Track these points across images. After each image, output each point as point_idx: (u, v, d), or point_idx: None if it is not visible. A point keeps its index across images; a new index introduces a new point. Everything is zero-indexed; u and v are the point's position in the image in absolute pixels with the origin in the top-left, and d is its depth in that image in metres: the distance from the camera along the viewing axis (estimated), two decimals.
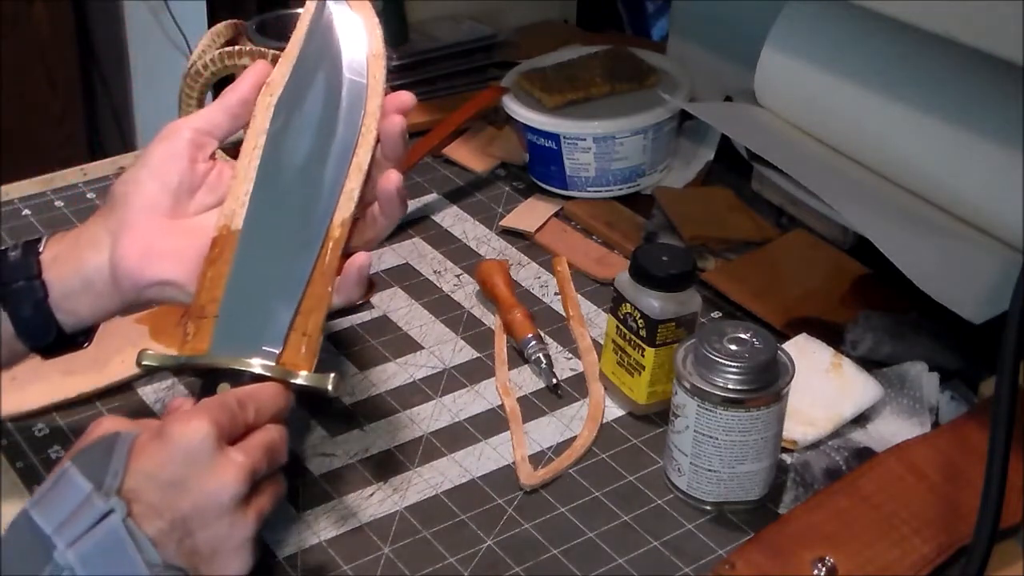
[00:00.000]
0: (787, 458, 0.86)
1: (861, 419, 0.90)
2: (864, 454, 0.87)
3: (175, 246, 0.74)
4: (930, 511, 0.79)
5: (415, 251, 1.10)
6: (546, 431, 0.90)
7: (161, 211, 0.75)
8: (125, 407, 0.91)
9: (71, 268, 0.75)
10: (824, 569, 0.75)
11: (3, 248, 0.76)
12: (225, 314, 0.72)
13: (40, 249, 0.76)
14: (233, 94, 0.79)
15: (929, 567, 0.76)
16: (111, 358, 0.93)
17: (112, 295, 0.75)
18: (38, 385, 0.90)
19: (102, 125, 2.47)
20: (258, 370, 0.70)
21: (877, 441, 0.88)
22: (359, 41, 0.82)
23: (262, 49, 1.10)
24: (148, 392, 0.93)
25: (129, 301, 0.75)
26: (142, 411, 0.91)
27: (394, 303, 1.03)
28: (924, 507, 0.79)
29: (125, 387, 0.93)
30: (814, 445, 0.88)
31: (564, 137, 1.12)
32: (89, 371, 0.92)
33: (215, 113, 0.79)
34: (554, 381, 0.94)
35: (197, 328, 0.72)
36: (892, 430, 0.89)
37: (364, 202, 0.76)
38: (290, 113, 0.78)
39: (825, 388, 0.90)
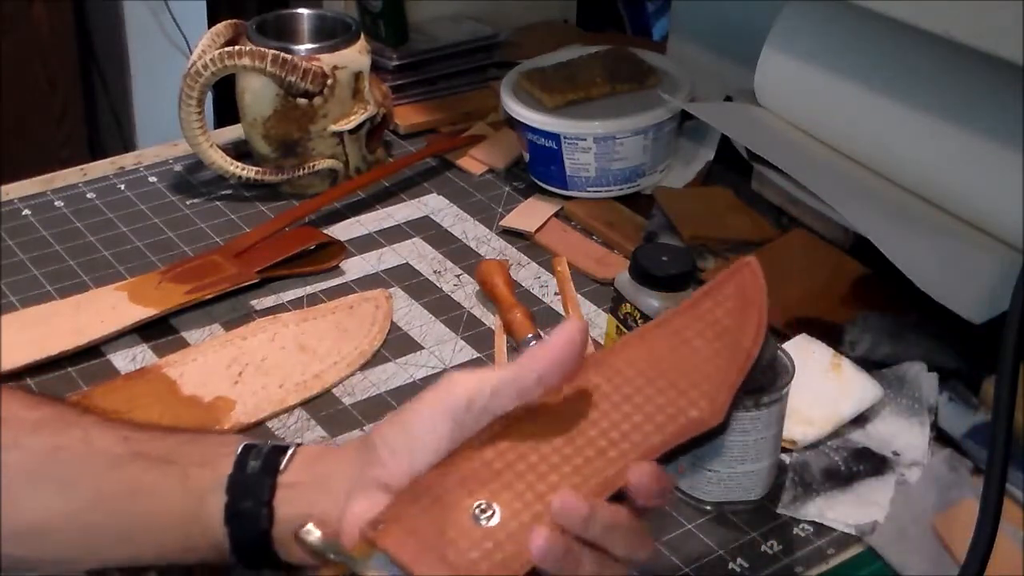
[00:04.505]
0: (786, 458, 0.86)
1: (860, 419, 0.90)
2: (863, 454, 0.87)
3: None
4: (626, 420, 0.65)
5: (415, 251, 1.10)
6: None
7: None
8: (94, 370, 0.94)
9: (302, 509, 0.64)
10: (483, 514, 0.61)
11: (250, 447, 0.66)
12: None
13: (281, 467, 0.65)
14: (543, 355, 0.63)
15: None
16: (93, 325, 0.96)
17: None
18: (13, 346, 0.93)
19: (102, 125, 2.47)
20: None
21: (876, 441, 0.88)
22: None
23: (262, 49, 1.10)
24: (117, 358, 0.95)
25: None
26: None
27: (394, 303, 1.03)
28: (616, 416, 0.65)
29: (95, 351, 0.95)
30: (813, 445, 0.88)
31: (564, 137, 1.12)
32: (68, 336, 0.95)
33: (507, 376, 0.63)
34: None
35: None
36: (892, 430, 0.89)
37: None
38: None
39: (825, 388, 0.90)
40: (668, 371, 0.66)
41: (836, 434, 0.89)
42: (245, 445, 0.66)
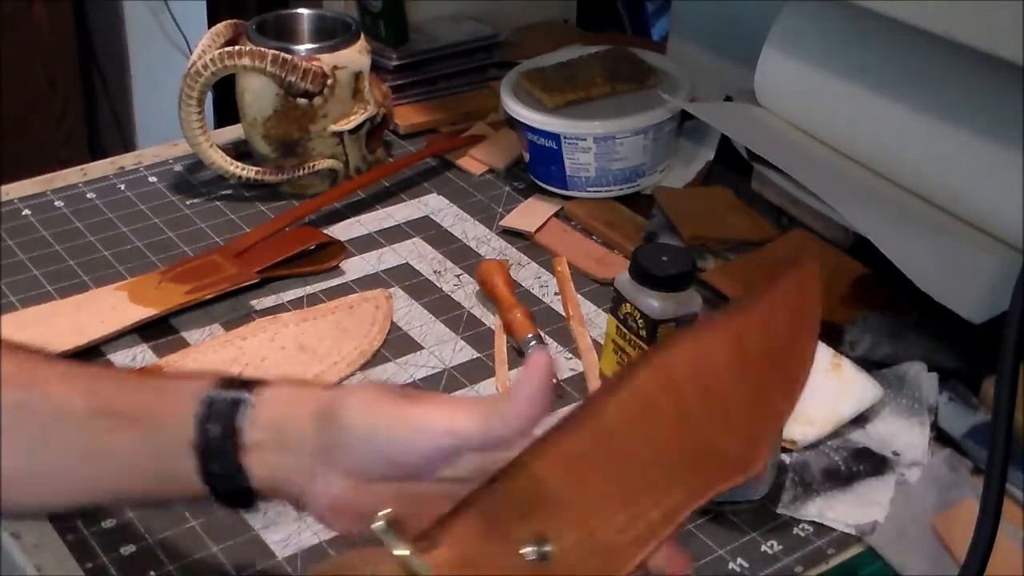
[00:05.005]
0: (786, 458, 0.86)
1: (860, 419, 0.90)
2: (863, 454, 0.87)
3: None
4: (688, 444, 0.63)
5: (415, 251, 1.10)
6: None
7: None
8: None
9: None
10: (536, 553, 0.60)
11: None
12: None
13: (240, 428, 0.64)
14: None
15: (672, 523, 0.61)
16: (93, 325, 0.96)
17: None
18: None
19: (102, 125, 2.47)
20: None
21: (876, 441, 0.88)
22: None
23: (262, 49, 1.10)
24: (117, 358, 0.95)
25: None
26: None
27: (394, 303, 1.03)
28: (679, 440, 0.63)
29: (95, 351, 0.95)
30: (813, 445, 0.88)
31: (564, 137, 1.12)
32: (68, 336, 0.95)
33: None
34: (554, 381, 0.94)
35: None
36: (892, 430, 0.89)
37: None
38: None
39: (825, 388, 0.90)
40: (719, 392, 0.64)
41: (836, 434, 0.89)
42: (203, 400, 0.65)
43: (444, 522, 0.60)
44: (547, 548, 0.59)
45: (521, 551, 0.59)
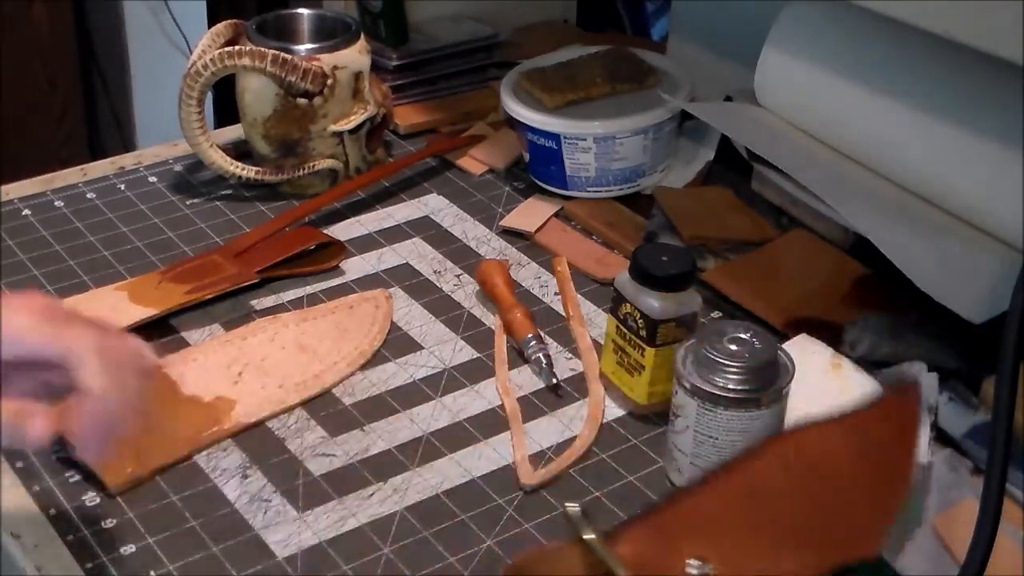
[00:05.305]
0: None
1: None
2: None
3: None
4: (811, 519, 0.72)
5: (415, 251, 1.10)
6: (546, 431, 0.90)
7: None
8: None
9: None
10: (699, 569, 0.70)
11: None
12: None
13: None
14: None
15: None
16: None
17: None
18: None
19: (102, 125, 2.47)
20: None
21: None
22: None
23: (262, 49, 1.10)
24: None
25: None
26: None
27: (394, 303, 1.03)
28: (806, 513, 0.72)
29: None
30: None
31: (564, 137, 1.12)
32: None
33: None
34: (554, 381, 0.94)
35: None
36: None
37: None
38: None
39: (825, 388, 0.90)
40: (846, 481, 0.71)
41: None
42: None
43: (626, 524, 0.67)
44: (709, 569, 0.66)
45: (688, 561, 0.66)
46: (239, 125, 1.18)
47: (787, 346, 0.88)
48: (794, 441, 0.72)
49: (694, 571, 0.66)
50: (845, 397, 0.89)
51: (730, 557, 0.67)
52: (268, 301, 1.03)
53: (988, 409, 0.88)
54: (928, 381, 0.91)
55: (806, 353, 0.92)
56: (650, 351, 0.88)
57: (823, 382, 0.90)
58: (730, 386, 0.80)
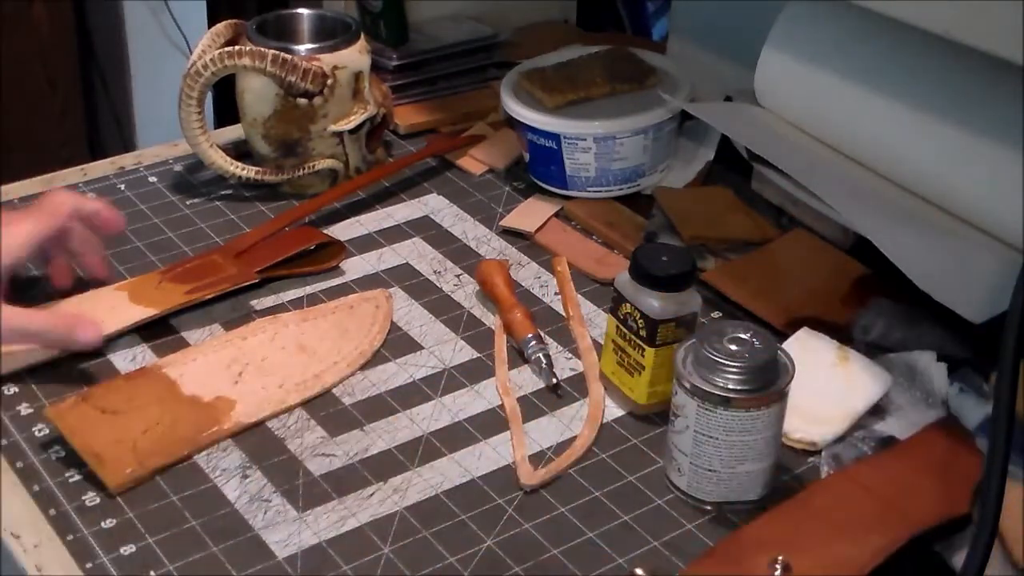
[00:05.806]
0: (814, 460, 0.87)
1: (879, 411, 0.90)
2: (889, 443, 0.87)
3: None
4: (881, 516, 0.80)
5: (415, 251, 1.10)
6: (546, 431, 0.90)
7: None
8: (95, 370, 0.94)
9: None
10: (780, 568, 0.75)
11: None
12: None
13: None
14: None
15: (884, 554, 0.77)
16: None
17: None
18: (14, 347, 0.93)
19: (102, 125, 2.47)
20: None
21: (900, 430, 0.88)
22: None
23: (262, 49, 1.10)
24: (117, 358, 0.95)
25: None
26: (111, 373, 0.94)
27: (394, 303, 1.03)
28: (874, 516, 0.80)
29: (95, 351, 0.95)
30: (840, 439, 0.88)
31: (564, 137, 1.12)
32: None
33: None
34: (554, 381, 0.94)
35: None
36: (913, 419, 0.89)
37: None
38: None
39: (834, 384, 0.90)
40: (870, 510, 0.82)
41: (858, 426, 0.89)
42: None
43: (694, 565, 0.78)
44: (786, 561, 0.76)
45: (770, 559, 0.76)
46: (239, 125, 1.18)
47: (790, 341, 0.89)
48: (854, 470, 0.84)
49: (776, 570, 0.75)
50: (854, 390, 0.89)
51: (809, 553, 0.76)
52: (268, 301, 1.03)
53: None
54: (938, 371, 0.92)
55: (809, 349, 0.92)
56: (650, 351, 0.88)
57: (831, 378, 0.90)
58: (730, 386, 0.80)
